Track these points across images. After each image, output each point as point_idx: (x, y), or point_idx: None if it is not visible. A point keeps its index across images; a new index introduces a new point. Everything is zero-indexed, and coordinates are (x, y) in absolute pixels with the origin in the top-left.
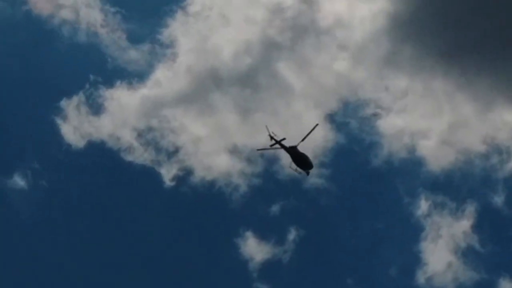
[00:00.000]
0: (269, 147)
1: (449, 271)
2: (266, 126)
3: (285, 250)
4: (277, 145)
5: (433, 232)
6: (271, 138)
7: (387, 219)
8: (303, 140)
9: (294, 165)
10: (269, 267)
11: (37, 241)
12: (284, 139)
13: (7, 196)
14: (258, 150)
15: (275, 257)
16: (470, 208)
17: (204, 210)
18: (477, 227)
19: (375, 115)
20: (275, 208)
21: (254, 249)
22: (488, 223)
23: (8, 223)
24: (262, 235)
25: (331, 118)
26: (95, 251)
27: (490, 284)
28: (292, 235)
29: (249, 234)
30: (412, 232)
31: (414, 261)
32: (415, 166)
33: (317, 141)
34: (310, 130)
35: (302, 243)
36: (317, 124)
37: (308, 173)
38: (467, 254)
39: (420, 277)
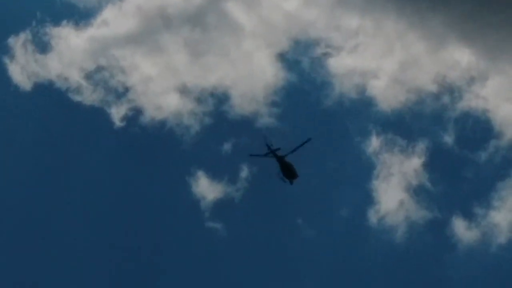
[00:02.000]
0: (263, 154)
1: (401, 209)
2: (265, 135)
3: (237, 189)
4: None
5: (384, 171)
6: (268, 147)
7: (338, 158)
8: (292, 152)
9: (281, 174)
10: (221, 206)
11: None
12: (279, 149)
13: None
14: (251, 155)
15: (227, 196)
16: (421, 147)
17: (155, 150)
18: (428, 165)
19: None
20: (226, 147)
21: (206, 189)
22: (439, 162)
23: None
24: (214, 174)
25: (282, 57)
26: (44, 193)
27: (443, 222)
28: (244, 173)
29: (200, 173)
30: (364, 171)
31: (366, 200)
32: (365, 105)
33: (268, 80)
34: (301, 143)
35: (254, 182)
36: (310, 139)
37: (292, 182)
38: (418, 192)
39: (372, 217)
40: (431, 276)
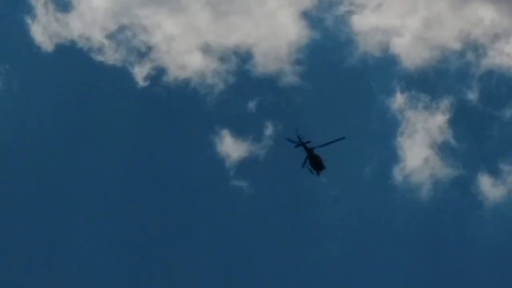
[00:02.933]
0: (294, 146)
1: (426, 167)
2: (297, 128)
3: (262, 147)
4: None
5: (409, 128)
6: (299, 139)
7: (362, 116)
8: (322, 146)
9: (309, 165)
10: (246, 164)
11: (10, 142)
12: (309, 141)
13: None
14: (288, 140)
15: (252, 154)
16: (446, 104)
17: (179, 109)
18: (452, 122)
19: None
20: (250, 105)
21: (230, 147)
22: (463, 119)
23: None
24: (238, 132)
25: (305, 15)
26: (67, 153)
27: (468, 179)
28: (269, 130)
29: (225, 132)
30: (388, 129)
31: (391, 158)
32: (389, 63)
33: (291, 38)
34: (333, 140)
35: (278, 140)
36: (344, 137)
37: (318, 174)
38: (443, 149)
39: (397, 174)
40: (457, 234)
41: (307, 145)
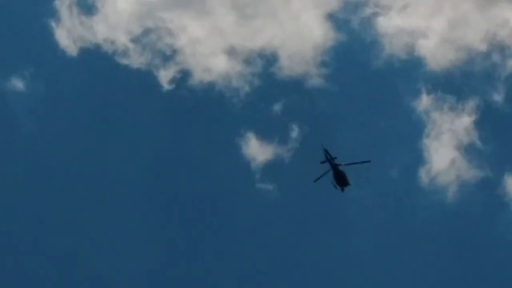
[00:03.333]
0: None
1: (452, 168)
2: (322, 144)
3: (287, 150)
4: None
5: (435, 129)
6: (326, 156)
7: (387, 118)
8: (348, 164)
9: (334, 182)
10: (272, 167)
11: (36, 145)
12: (335, 158)
13: (6, 98)
14: (315, 181)
15: (278, 157)
16: (471, 106)
17: (204, 112)
18: (478, 124)
19: None
20: (276, 108)
21: (256, 150)
22: (489, 120)
23: (7, 125)
24: (264, 135)
25: (330, 17)
26: (93, 157)
27: (494, 181)
28: (294, 133)
29: (250, 135)
30: (414, 130)
31: (417, 159)
32: (415, 65)
33: (317, 40)
34: (359, 161)
35: (304, 142)
36: (369, 161)
37: (343, 190)
38: (469, 151)
39: (423, 176)
40: (483, 236)
41: (334, 161)
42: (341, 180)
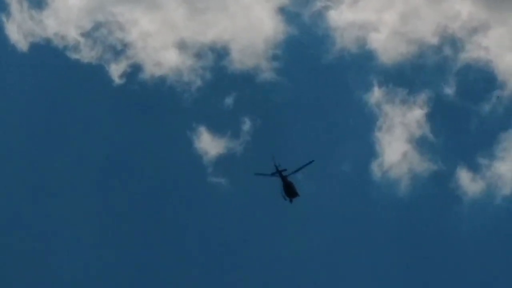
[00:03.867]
0: (269, 174)
1: (404, 162)
2: (273, 155)
3: (239, 143)
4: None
5: (387, 122)
6: (276, 168)
7: (339, 111)
8: (294, 172)
9: (283, 193)
10: (224, 161)
11: None
12: (285, 169)
13: None
14: (256, 174)
15: (230, 150)
16: (423, 99)
17: (156, 106)
18: (430, 117)
19: None
20: (228, 101)
21: (208, 144)
22: (441, 113)
23: None
24: (216, 129)
25: (281, 10)
26: (43, 152)
27: (447, 174)
28: (246, 126)
29: (202, 129)
30: (366, 123)
31: (369, 153)
32: (366, 58)
33: (268, 33)
34: (304, 165)
35: (256, 135)
36: (313, 161)
37: (291, 201)
38: (421, 144)
39: (376, 170)
40: (436, 229)
41: (283, 173)
42: (290, 190)
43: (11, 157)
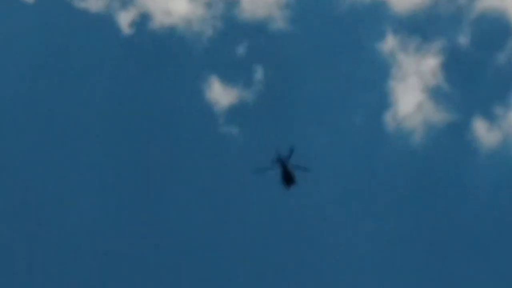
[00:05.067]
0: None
1: (419, 112)
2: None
3: (251, 93)
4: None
5: (400, 72)
6: (279, 157)
7: (352, 61)
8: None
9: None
10: (236, 111)
11: None
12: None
13: None
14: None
15: (242, 100)
16: (437, 48)
17: (166, 57)
18: (445, 66)
19: None
20: (240, 50)
21: (219, 94)
22: (456, 63)
23: None
24: (228, 78)
25: None
26: (49, 100)
27: (462, 124)
28: (259, 75)
29: (214, 78)
30: (379, 73)
31: (382, 103)
32: (380, 7)
33: None
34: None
35: (268, 85)
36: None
37: (289, 189)
38: (436, 94)
39: (389, 121)
40: (451, 181)
41: (286, 162)
42: (289, 179)
43: (18, 108)
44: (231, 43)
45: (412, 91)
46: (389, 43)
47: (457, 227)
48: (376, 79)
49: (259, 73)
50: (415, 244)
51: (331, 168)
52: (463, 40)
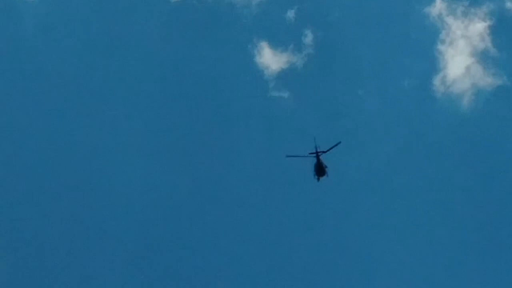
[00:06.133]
0: (306, 155)
1: (467, 76)
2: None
3: (301, 57)
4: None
5: (449, 36)
6: (316, 149)
7: (400, 25)
8: (325, 152)
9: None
10: (286, 75)
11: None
12: (323, 152)
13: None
14: (287, 156)
15: (292, 65)
16: (485, 11)
17: (215, 22)
18: (493, 30)
19: None
20: (289, 15)
21: (269, 59)
22: (504, 27)
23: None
24: (277, 43)
25: None
26: (100, 68)
27: (511, 88)
28: (308, 39)
29: (263, 43)
30: (427, 37)
31: (431, 67)
32: None
33: None
34: (333, 146)
35: (318, 49)
36: (339, 142)
37: (319, 179)
38: (485, 58)
39: (438, 84)
40: (500, 145)
41: (320, 154)
42: (320, 171)
43: (68, 75)
44: (280, 8)
45: (461, 55)
46: (438, 6)
47: (505, 190)
48: (425, 43)
49: (308, 38)
50: (465, 207)
51: (380, 133)
52: (511, 4)
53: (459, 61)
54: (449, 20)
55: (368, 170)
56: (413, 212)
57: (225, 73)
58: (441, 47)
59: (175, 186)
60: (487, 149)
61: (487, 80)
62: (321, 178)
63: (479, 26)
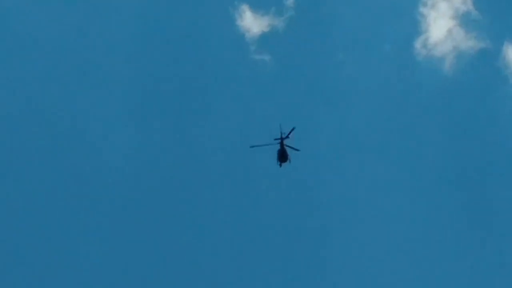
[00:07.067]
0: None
1: (449, 38)
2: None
3: (282, 20)
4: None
5: None
6: (281, 136)
7: None
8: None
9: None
10: (267, 38)
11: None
12: (288, 138)
13: None
14: (251, 147)
15: (273, 28)
16: None
17: None
18: None
19: None
20: None
21: (250, 22)
22: None
23: None
24: (259, 6)
25: None
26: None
27: (494, 52)
28: (289, 2)
29: (244, 6)
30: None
31: (413, 30)
32: None
33: None
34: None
35: (299, 12)
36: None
37: (281, 165)
38: (467, 20)
39: (419, 48)
40: (482, 109)
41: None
42: (282, 157)
43: (49, 39)
44: None
45: (442, 18)
46: None
47: (485, 154)
48: (407, 6)
49: (289, 1)
50: (445, 168)
51: (362, 97)
52: None
53: (441, 24)
54: None
55: (349, 134)
56: (396, 176)
57: (206, 37)
58: (423, 9)
59: (157, 150)
60: (469, 112)
61: (468, 43)
62: (283, 164)
63: None
